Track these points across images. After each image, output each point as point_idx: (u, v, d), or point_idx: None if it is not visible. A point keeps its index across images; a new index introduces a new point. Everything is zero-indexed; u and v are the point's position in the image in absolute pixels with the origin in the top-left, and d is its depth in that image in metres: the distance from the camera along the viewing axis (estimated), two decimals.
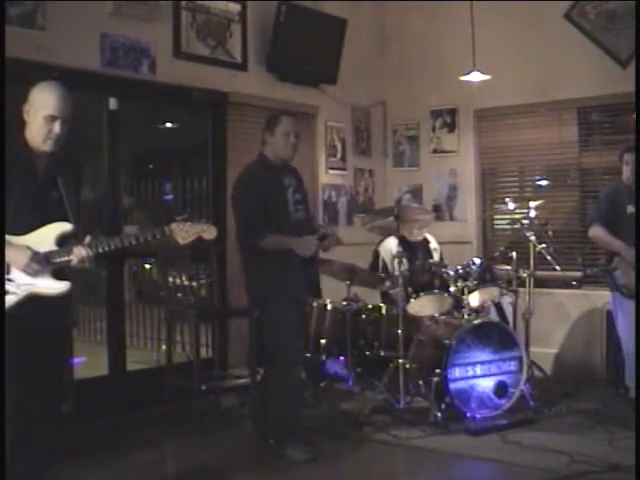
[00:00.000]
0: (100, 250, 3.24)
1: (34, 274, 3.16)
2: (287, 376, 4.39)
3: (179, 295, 5.97)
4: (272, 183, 4.38)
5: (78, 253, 3.21)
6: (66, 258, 3.21)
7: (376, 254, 5.95)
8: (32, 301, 3.18)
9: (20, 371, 3.13)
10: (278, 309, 4.34)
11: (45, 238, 3.21)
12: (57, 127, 3.22)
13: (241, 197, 4.44)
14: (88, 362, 5.87)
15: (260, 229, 4.26)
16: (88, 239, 3.27)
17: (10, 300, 3.14)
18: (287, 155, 4.43)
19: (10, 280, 3.15)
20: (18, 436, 3.14)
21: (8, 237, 3.15)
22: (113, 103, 5.29)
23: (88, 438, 4.54)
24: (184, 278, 6.47)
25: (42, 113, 3.22)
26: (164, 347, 5.62)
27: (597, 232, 5.17)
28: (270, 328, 4.41)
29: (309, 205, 4.68)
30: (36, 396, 3.22)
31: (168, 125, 9.47)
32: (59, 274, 3.22)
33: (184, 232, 3.30)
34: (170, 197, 7.92)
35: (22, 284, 3.16)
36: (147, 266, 8.16)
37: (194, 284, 6.56)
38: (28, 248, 3.15)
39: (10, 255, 3.14)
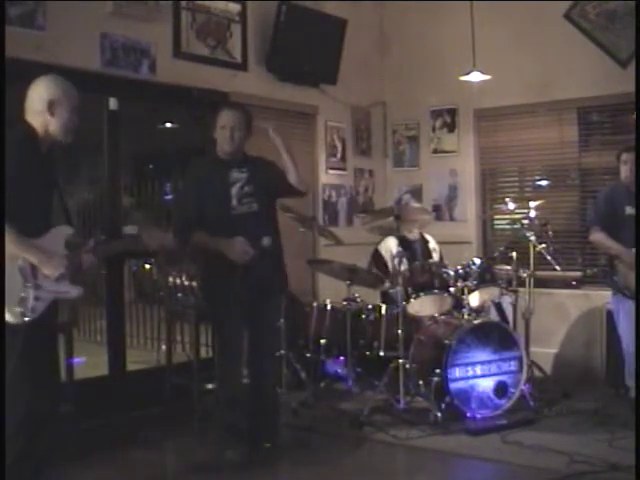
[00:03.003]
0: (103, 255, 3.29)
1: (61, 279, 3.17)
2: (225, 379, 4.37)
3: (179, 295, 5.96)
4: (213, 178, 4.34)
5: (87, 261, 3.24)
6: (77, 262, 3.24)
7: (376, 254, 5.94)
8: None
9: (33, 374, 3.13)
10: (219, 309, 4.34)
11: (57, 242, 3.22)
12: (77, 118, 3.27)
13: (176, 194, 4.48)
14: (88, 362, 5.86)
15: (185, 230, 4.20)
16: (92, 243, 3.30)
17: (40, 307, 3.13)
18: (226, 149, 4.33)
19: (39, 287, 3.13)
20: (25, 447, 3.14)
21: (30, 240, 3.12)
22: (113, 103, 5.29)
23: (88, 438, 4.54)
24: (184, 278, 6.46)
25: (70, 106, 3.26)
26: (164, 347, 5.62)
27: (597, 237, 5.18)
28: (214, 329, 4.48)
29: (267, 195, 4.42)
30: (40, 398, 3.21)
31: (168, 125, 9.47)
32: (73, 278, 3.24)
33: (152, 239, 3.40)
34: (170, 197, 7.92)
35: (50, 290, 3.17)
36: (147, 266, 8.15)
37: (194, 284, 6.55)
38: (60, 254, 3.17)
39: (43, 260, 3.12)
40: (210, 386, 4.82)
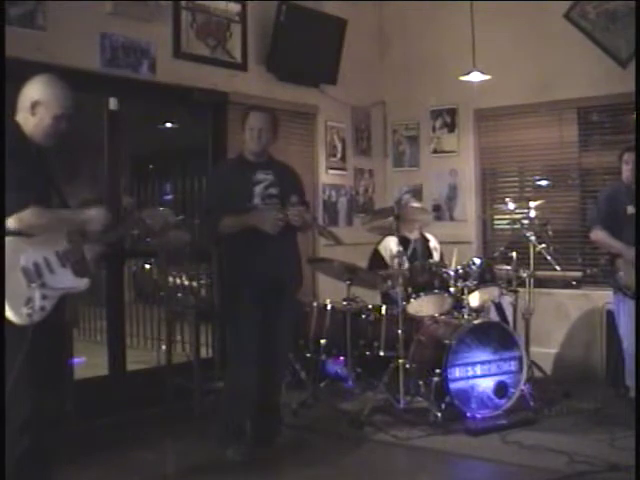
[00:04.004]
0: (109, 241, 3.33)
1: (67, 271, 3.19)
2: (238, 377, 4.36)
3: (179, 295, 5.97)
4: (238, 177, 4.39)
5: (94, 251, 3.28)
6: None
7: (376, 253, 5.93)
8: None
9: (39, 373, 3.13)
10: (237, 307, 4.32)
11: (58, 235, 3.21)
12: (64, 125, 3.24)
13: (204, 193, 4.61)
14: (88, 362, 5.87)
15: (215, 214, 4.26)
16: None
17: (48, 305, 3.13)
18: (253, 149, 4.41)
19: (45, 285, 3.13)
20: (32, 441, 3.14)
21: (57, 210, 3.13)
22: (113, 103, 5.29)
23: (88, 438, 4.54)
24: (184, 278, 6.47)
25: (54, 111, 3.21)
26: (164, 347, 5.62)
27: (598, 235, 5.18)
28: (229, 326, 4.45)
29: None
30: (46, 397, 3.20)
31: (168, 125, 9.47)
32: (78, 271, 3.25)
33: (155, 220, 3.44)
34: (170, 197, 7.93)
35: (56, 287, 3.16)
36: (147, 266, 8.17)
37: (194, 284, 6.56)
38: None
39: (87, 216, 3.19)
40: (220, 384, 4.84)
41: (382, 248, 5.87)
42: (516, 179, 6.99)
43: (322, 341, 5.59)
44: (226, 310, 4.55)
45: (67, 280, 3.19)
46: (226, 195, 4.35)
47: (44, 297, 3.10)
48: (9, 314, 3.01)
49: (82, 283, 3.26)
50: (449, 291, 5.35)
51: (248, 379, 4.31)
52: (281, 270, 4.38)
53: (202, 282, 6.74)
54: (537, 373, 5.53)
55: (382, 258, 5.81)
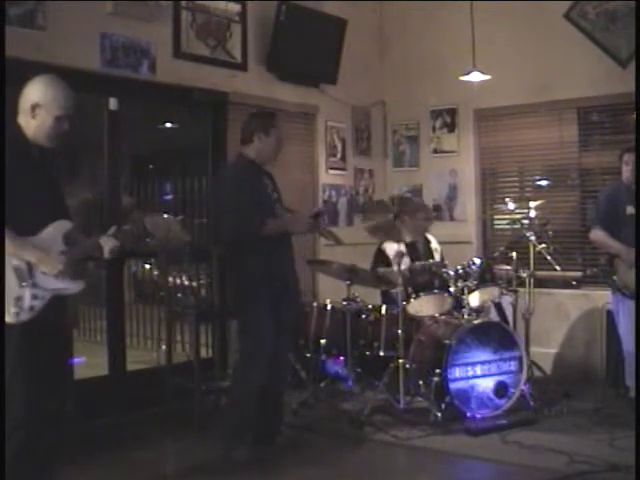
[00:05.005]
0: (126, 240, 3.32)
1: (62, 276, 3.16)
2: (250, 377, 4.34)
3: (179, 295, 5.97)
4: (257, 182, 4.39)
5: (110, 246, 3.25)
6: (85, 254, 3.26)
7: (379, 251, 5.91)
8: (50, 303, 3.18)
9: (34, 372, 3.13)
10: (255, 308, 4.30)
11: (54, 238, 3.20)
12: (66, 125, 3.24)
13: (233, 192, 4.34)
14: (88, 362, 5.87)
15: (258, 217, 4.25)
16: (113, 230, 3.32)
17: (38, 305, 3.11)
18: (274, 158, 4.48)
19: (36, 285, 3.11)
20: (29, 439, 3.13)
21: (25, 238, 3.11)
22: (113, 103, 5.29)
23: (88, 438, 4.53)
24: (184, 278, 6.47)
25: (55, 113, 3.20)
26: (164, 347, 5.62)
27: (597, 235, 5.19)
28: (243, 328, 4.42)
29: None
30: (45, 396, 3.20)
31: (168, 125, 9.47)
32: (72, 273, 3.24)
33: (156, 227, 3.42)
34: (170, 197, 7.93)
35: (48, 288, 3.15)
36: (147, 266, 8.16)
37: (194, 284, 6.56)
38: (57, 250, 3.16)
39: (41, 257, 3.11)
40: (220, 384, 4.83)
41: (386, 247, 5.85)
42: (516, 179, 7.00)
43: (322, 341, 5.60)
44: (242, 311, 4.44)
45: (60, 281, 3.18)
46: (255, 198, 4.30)
47: (34, 297, 3.09)
48: None
49: (75, 285, 3.23)
50: (449, 291, 5.35)
51: (259, 380, 4.31)
52: (292, 273, 4.46)
53: (202, 282, 6.74)
54: (537, 373, 5.53)
55: (387, 257, 5.81)
